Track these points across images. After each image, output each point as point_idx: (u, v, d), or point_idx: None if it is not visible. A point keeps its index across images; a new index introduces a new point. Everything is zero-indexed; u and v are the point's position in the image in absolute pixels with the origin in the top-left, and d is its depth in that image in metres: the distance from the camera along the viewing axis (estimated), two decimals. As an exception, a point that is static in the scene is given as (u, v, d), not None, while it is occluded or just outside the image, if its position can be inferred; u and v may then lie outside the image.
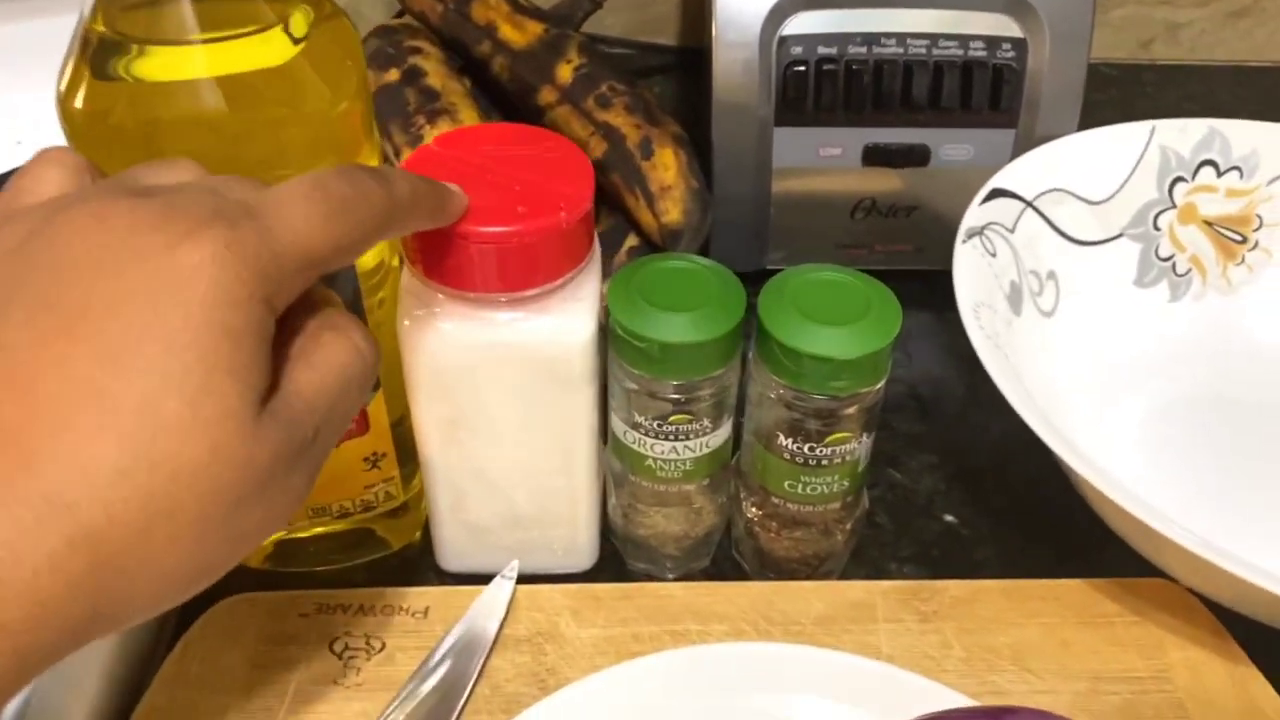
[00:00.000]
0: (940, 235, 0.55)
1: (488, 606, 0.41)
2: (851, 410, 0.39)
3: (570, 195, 0.36)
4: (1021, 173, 0.52)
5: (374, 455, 0.43)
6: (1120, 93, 0.76)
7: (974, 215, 0.49)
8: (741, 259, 0.57)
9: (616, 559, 0.46)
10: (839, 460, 0.40)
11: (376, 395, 0.41)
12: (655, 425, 0.40)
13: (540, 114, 0.58)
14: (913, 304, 0.57)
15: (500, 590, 0.42)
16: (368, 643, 0.41)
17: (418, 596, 0.43)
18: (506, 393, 0.39)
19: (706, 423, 0.40)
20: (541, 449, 0.41)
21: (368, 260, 0.39)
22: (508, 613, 0.42)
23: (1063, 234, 0.53)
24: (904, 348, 0.56)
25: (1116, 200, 0.54)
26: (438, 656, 0.40)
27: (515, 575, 0.42)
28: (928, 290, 0.55)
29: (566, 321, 0.37)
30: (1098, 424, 0.50)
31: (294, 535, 0.45)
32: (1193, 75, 0.78)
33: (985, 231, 0.49)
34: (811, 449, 0.39)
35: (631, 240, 0.55)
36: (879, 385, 0.39)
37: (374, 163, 0.38)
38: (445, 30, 0.61)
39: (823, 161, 0.55)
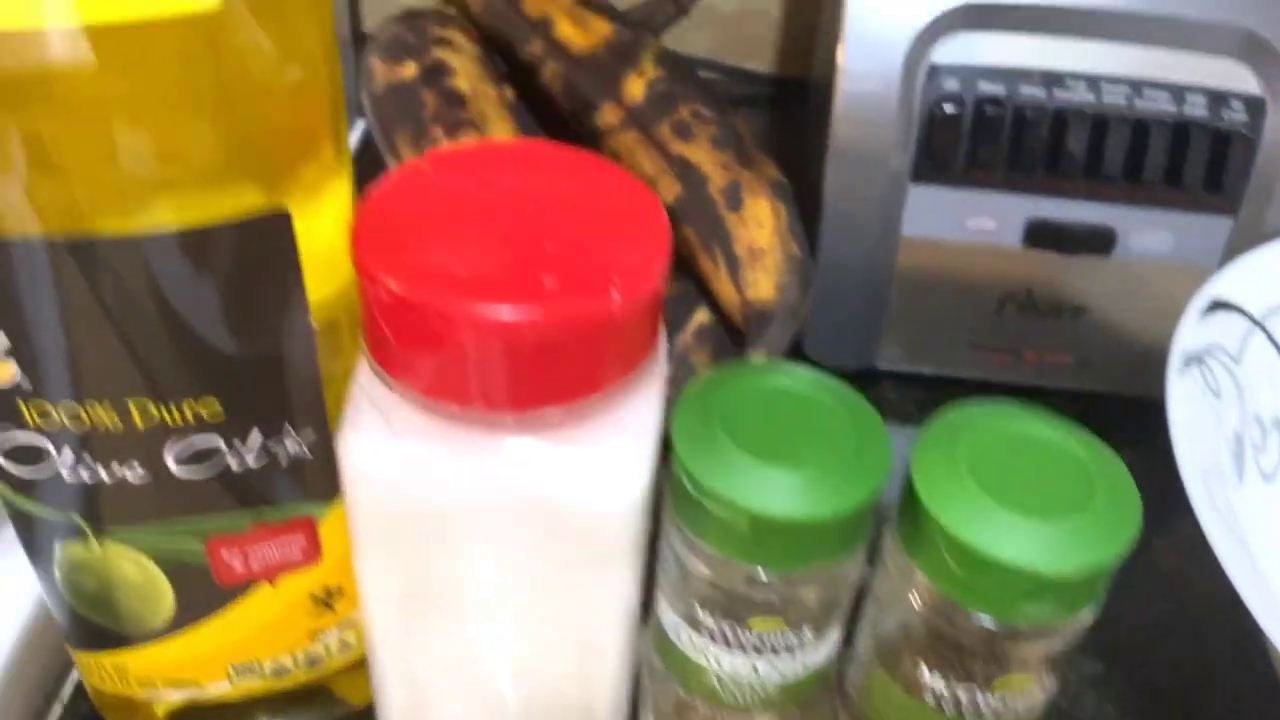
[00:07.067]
0: (1112, 348, 0.42)
1: None
2: (1039, 644, 0.24)
3: (630, 265, 0.22)
4: (1249, 277, 0.38)
5: (326, 591, 0.30)
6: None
7: (1192, 333, 0.35)
8: (843, 352, 0.44)
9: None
10: (1010, 716, 0.25)
11: (332, 509, 0.28)
12: (728, 630, 0.25)
13: (598, 139, 0.44)
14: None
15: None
16: None
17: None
18: (500, 560, 0.24)
19: (807, 632, 0.26)
20: (548, 642, 0.26)
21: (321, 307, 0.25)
22: None
23: (1295, 368, 0.38)
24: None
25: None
26: None
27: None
28: (1088, 420, 0.41)
29: (607, 464, 0.23)
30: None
31: (209, 698, 0.31)
32: None
33: (1206, 360, 0.35)
34: (971, 693, 0.25)
35: (702, 315, 0.41)
36: (1090, 614, 0.24)
37: (342, 176, 0.24)
38: (487, 21, 0.48)
39: (969, 235, 0.41)
